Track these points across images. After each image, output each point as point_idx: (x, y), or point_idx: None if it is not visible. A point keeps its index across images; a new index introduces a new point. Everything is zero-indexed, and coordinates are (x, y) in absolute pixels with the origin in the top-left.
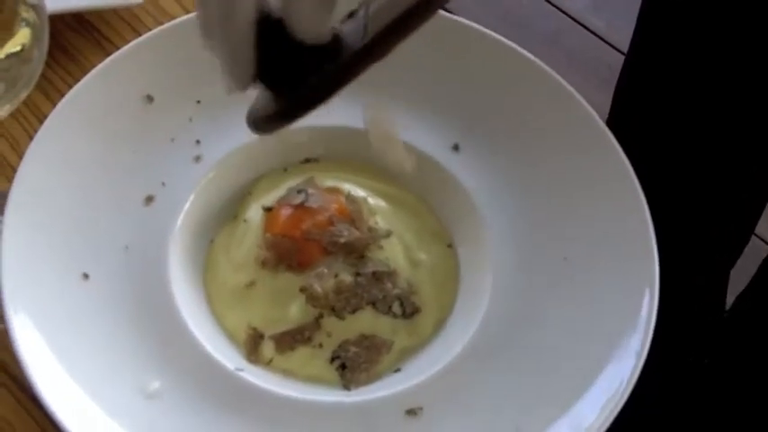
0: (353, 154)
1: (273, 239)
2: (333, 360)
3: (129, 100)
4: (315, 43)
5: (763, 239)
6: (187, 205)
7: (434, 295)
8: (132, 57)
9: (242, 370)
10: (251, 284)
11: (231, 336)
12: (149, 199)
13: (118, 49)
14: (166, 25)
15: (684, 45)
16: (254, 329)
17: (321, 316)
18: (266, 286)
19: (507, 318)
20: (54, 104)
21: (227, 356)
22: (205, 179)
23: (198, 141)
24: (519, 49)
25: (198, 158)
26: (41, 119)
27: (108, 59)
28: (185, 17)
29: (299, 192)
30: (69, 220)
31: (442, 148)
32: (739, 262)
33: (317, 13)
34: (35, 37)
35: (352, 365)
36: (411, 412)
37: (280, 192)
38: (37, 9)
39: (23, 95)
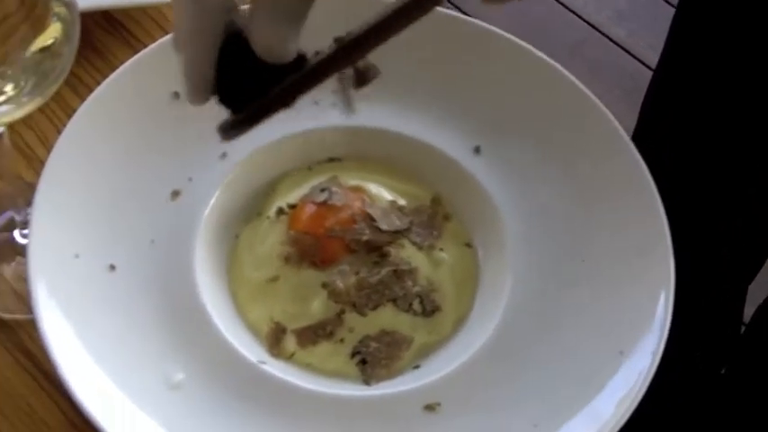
0: (376, 154)
1: (297, 236)
2: (354, 355)
3: (157, 96)
4: (273, 62)
5: None
6: (212, 201)
7: (454, 294)
8: (160, 54)
9: (264, 363)
10: (274, 280)
11: (254, 329)
12: (176, 194)
13: (146, 46)
14: None
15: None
16: (277, 324)
17: (343, 312)
18: (289, 282)
19: (525, 317)
20: (82, 100)
21: (250, 349)
22: (231, 176)
23: None
24: (542, 55)
25: (224, 155)
26: (70, 114)
27: (136, 56)
28: None
29: (323, 190)
30: (96, 213)
31: (463, 151)
32: (759, 275)
33: (277, 37)
34: (66, 32)
35: (372, 361)
36: (429, 408)
37: (304, 190)
38: (68, 5)
39: (53, 89)
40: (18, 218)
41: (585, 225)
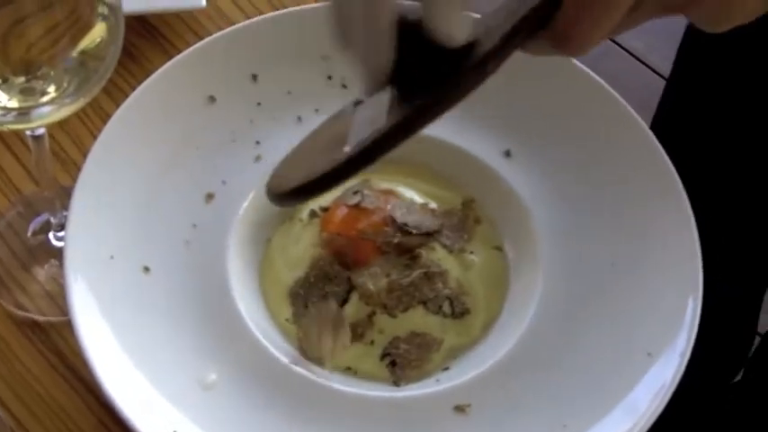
0: (408, 157)
1: (329, 238)
2: (384, 357)
3: (192, 101)
4: (451, 46)
5: None
6: (246, 203)
7: (483, 296)
8: (195, 59)
9: (296, 364)
10: (306, 281)
11: (286, 331)
12: (210, 196)
13: (180, 52)
14: (228, 29)
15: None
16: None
17: (373, 313)
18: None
19: (554, 319)
20: (117, 105)
21: (282, 351)
22: (264, 179)
23: (258, 142)
24: (573, 60)
25: (258, 158)
26: (105, 119)
27: (171, 61)
28: (246, 22)
29: (355, 193)
30: (131, 216)
31: (494, 154)
32: None
33: (455, 14)
34: (110, 34)
35: (402, 362)
36: (459, 409)
37: (336, 192)
38: (112, 7)
39: (96, 91)
40: (54, 220)
41: (615, 229)
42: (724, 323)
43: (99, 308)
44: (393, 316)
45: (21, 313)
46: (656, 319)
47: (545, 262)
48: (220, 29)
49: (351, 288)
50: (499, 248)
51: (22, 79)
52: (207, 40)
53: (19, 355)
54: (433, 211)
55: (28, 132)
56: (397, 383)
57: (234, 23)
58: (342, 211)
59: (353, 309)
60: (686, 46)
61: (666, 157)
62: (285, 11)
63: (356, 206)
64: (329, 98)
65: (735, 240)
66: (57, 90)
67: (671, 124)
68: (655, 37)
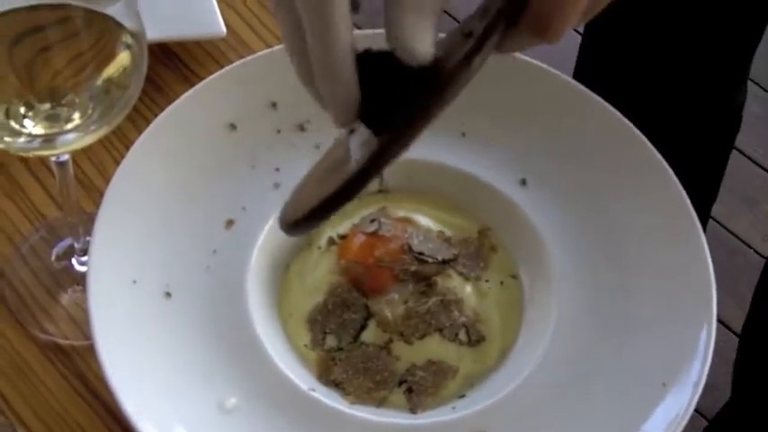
0: (424, 186)
1: (347, 265)
2: (400, 384)
3: (213, 128)
4: (417, 65)
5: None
6: (266, 229)
7: (499, 324)
8: (215, 87)
9: (314, 390)
10: (324, 308)
11: (304, 357)
12: (230, 222)
13: (201, 79)
14: (248, 58)
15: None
16: (327, 351)
17: (390, 341)
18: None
19: (569, 347)
20: (140, 132)
21: (300, 376)
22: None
23: (277, 169)
24: (589, 92)
25: (277, 185)
26: (128, 145)
27: (193, 89)
28: (266, 51)
29: (373, 221)
30: (153, 242)
31: (509, 183)
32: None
33: (417, 30)
34: (134, 62)
35: (418, 389)
36: None
37: (353, 220)
38: (137, 36)
39: (120, 118)
40: (77, 245)
41: (630, 259)
42: None
43: (121, 332)
44: (410, 343)
45: (44, 337)
46: (671, 349)
47: (560, 290)
48: (241, 57)
49: (368, 315)
50: (515, 276)
51: (47, 106)
52: (227, 68)
53: (42, 378)
54: (449, 239)
55: (53, 159)
56: (413, 411)
57: (254, 51)
58: (359, 239)
59: (371, 335)
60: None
61: (681, 189)
62: None
63: (373, 234)
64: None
65: None
66: (81, 117)
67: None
68: None
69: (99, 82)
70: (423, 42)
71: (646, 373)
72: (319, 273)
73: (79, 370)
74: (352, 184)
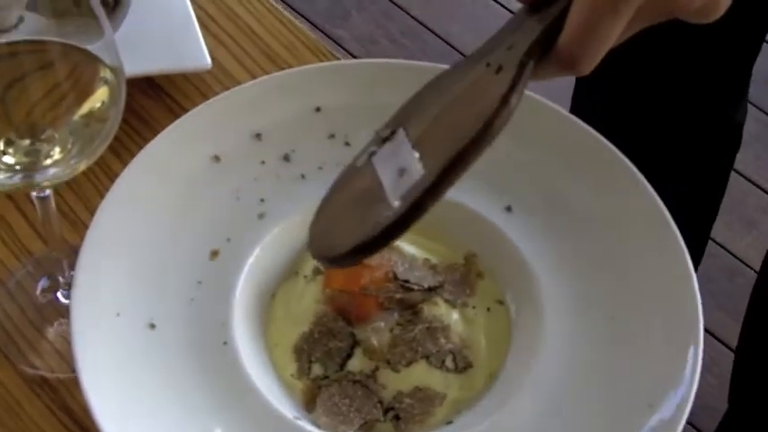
0: None
1: (332, 294)
2: (387, 411)
3: (197, 160)
4: None
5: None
6: (251, 260)
7: (486, 350)
8: (200, 119)
9: (300, 419)
10: (310, 337)
11: (290, 386)
12: (215, 253)
13: (186, 111)
14: (231, 90)
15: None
16: (312, 380)
17: (377, 368)
18: (324, 339)
19: (556, 372)
20: (124, 164)
21: (286, 405)
22: (269, 236)
23: (262, 200)
24: (572, 116)
25: (262, 215)
26: (112, 177)
27: (177, 121)
28: (251, 82)
29: None
30: (138, 273)
31: (495, 209)
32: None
33: None
34: (113, 96)
35: (406, 417)
36: None
37: None
38: (115, 70)
39: (99, 152)
40: (62, 279)
41: (615, 283)
42: None
43: (105, 365)
44: (396, 371)
45: (30, 371)
46: (657, 371)
47: (546, 315)
48: (226, 88)
49: (354, 343)
50: (501, 302)
51: (26, 142)
52: (211, 100)
53: (29, 412)
54: (434, 266)
55: (33, 194)
56: None
57: (240, 83)
58: (345, 268)
59: (357, 364)
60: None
61: (666, 211)
62: (288, 71)
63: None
64: (332, 156)
65: None
66: (61, 152)
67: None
68: None
69: (77, 116)
70: None
71: (633, 395)
72: (305, 302)
73: (65, 403)
74: (398, 224)
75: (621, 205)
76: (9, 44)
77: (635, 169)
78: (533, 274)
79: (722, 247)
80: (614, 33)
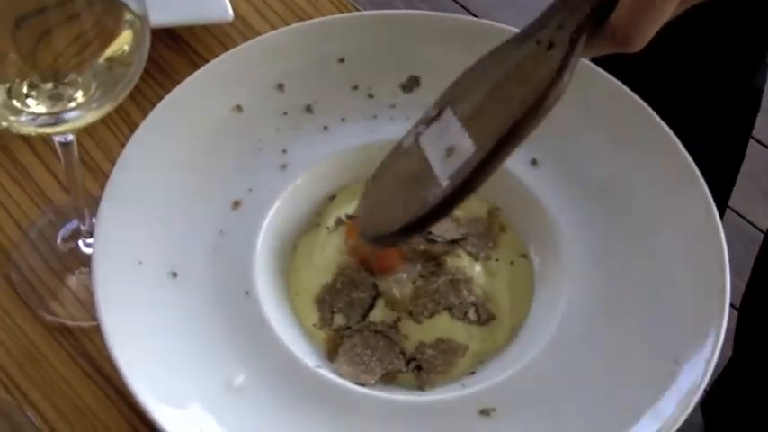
0: None
1: (355, 245)
2: (410, 361)
3: (219, 110)
4: None
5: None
6: (272, 211)
7: (509, 303)
8: (222, 69)
9: (321, 367)
10: (332, 288)
11: (312, 335)
12: (236, 204)
13: (207, 62)
14: (253, 40)
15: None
16: (335, 330)
17: (399, 319)
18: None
19: (579, 326)
20: (145, 114)
21: (308, 354)
22: (290, 187)
23: (284, 150)
24: (599, 69)
25: (284, 167)
26: (133, 127)
27: (198, 71)
28: (272, 33)
29: None
30: (159, 223)
31: (520, 163)
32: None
33: None
34: (137, 41)
35: (428, 367)
36: (484, 412)
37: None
38: (140, 15)
39: (122, 97)
40: (83, 228)
41: (641, 238)
42: None
43: (127, 313)
44: (419, 322)
45: (51, 318)
46: (683, 326)
47: (570, 269)
48: (247, 40)
49: (377, 294)
50: (525, 256)
51: (50, 85)
52: (233, 50)
53: (50, 359)
54: (458, 219)
55: (57, 140)
56: (422, 388)
57: (261, 35)
58: None
59: (379, 314)
60: None
61: (694, 165)
62: (310, 21)
63: None
64: (355, 107)
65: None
66: (84, 96)
67: None
68: None
69: (101, 60)
70: None
71: (657, 349)
72: (327, 252)
73: (86, 351)
74: (448, 202)
75: (648, 159)
76: None
77: (663, 123)
78: (557, 228)
79: (740, 215)
80: (669, 9)
